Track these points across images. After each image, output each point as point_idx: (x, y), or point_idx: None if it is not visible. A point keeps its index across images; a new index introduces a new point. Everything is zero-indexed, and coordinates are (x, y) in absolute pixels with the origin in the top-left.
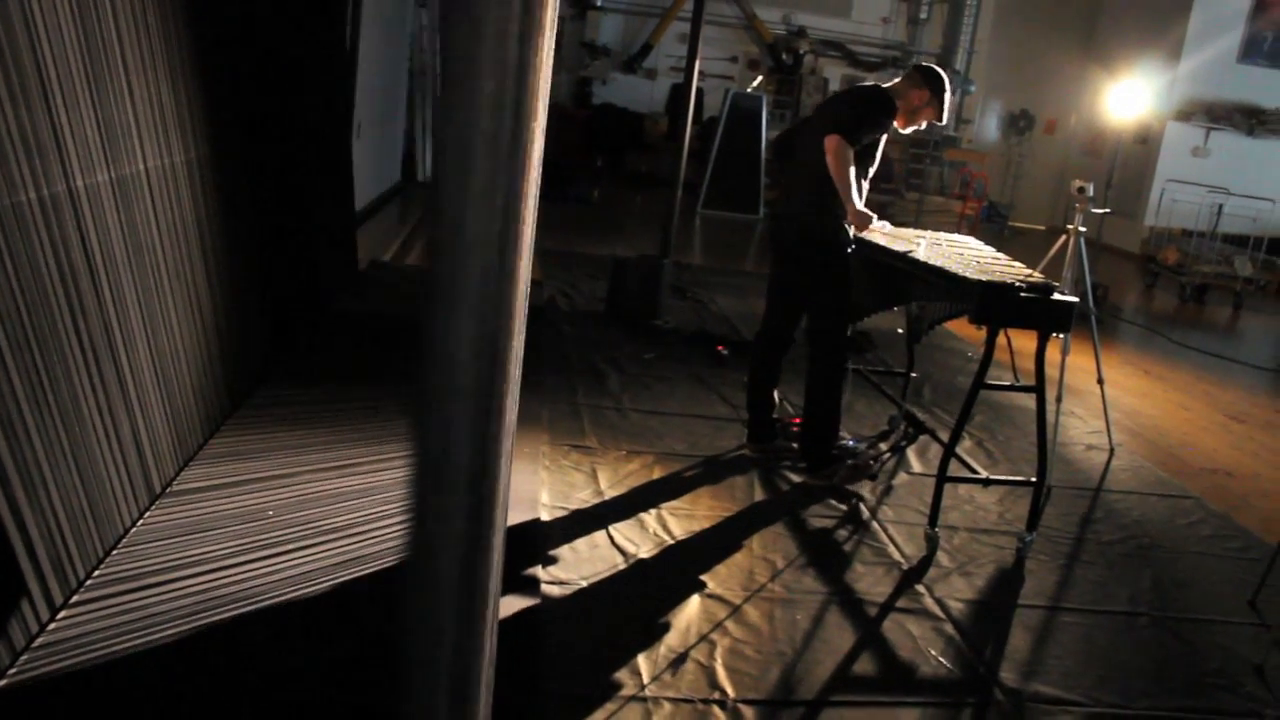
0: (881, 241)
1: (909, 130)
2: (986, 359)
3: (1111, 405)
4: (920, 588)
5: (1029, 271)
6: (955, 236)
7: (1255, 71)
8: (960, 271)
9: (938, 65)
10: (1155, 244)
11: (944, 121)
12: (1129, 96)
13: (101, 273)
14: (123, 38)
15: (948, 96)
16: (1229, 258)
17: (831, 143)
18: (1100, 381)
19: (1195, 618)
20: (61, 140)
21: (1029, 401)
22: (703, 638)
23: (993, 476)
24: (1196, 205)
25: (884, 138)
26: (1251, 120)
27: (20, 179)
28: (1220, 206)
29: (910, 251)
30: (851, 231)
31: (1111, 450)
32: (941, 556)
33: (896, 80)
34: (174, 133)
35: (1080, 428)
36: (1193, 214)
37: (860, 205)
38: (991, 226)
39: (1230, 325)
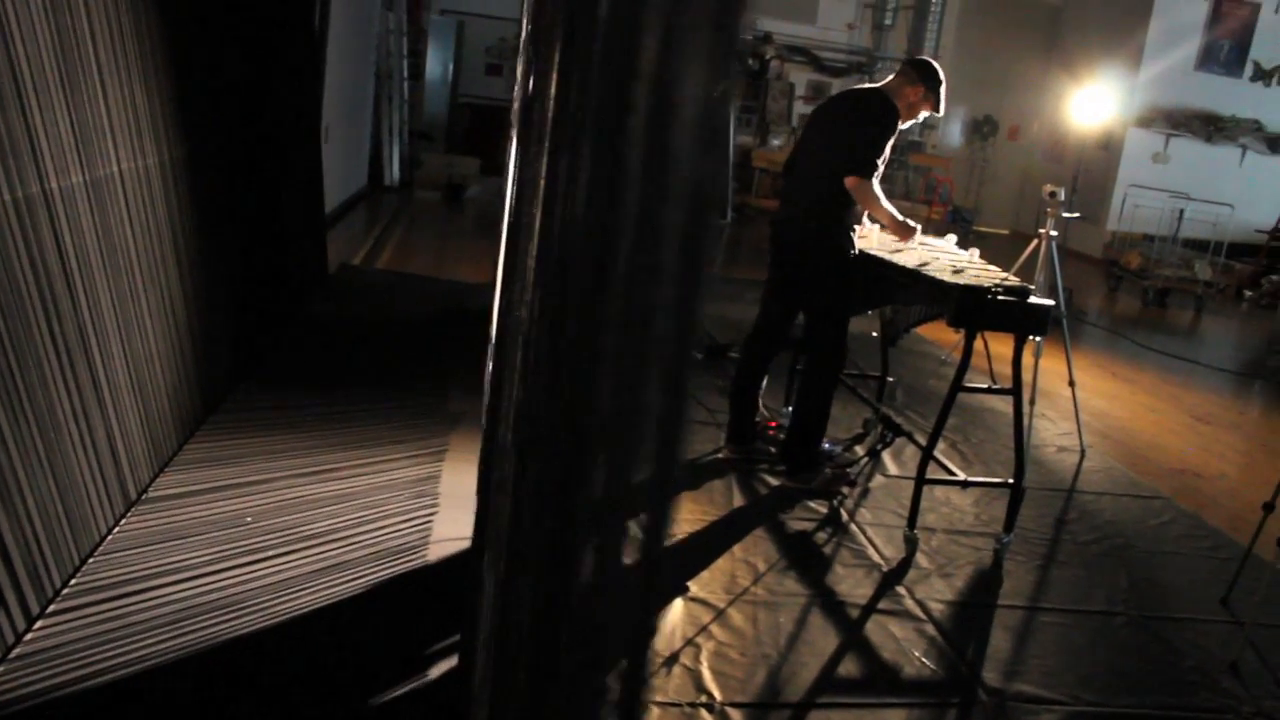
0: (895, 258)
1: (908, 124)
2: (964, 362)
3: (1081, 407)
4: (901, 589)
5: (1004, 275)
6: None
7: (1212, 80)
8: (938, 275)
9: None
10: (1118, 248)
11: (941, 112)
12: (1092, 103)
13: (76, 275)
14: (96, 39)
15: (943, 88)
16: (1189, 262)
17: (852, 183)
18: (1072, 384)
19: (1170, 616)
20: (36, 142)
21: (1000, 404)
22: (688, 642)
23: (971, 479)
24: (1158, 210)
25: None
26: (1209, 127)
27: None
28: (1181, 211)
29: (923, 266)
30: (857, 239)
31: (1083, 452)
32: (920, 558)
33: (889, 79)
34: (147, 135)
35: (1051, 430)
36: (1154, 219)
37: (900, 217)
38: (957, 231)
39: (1192, 328)
